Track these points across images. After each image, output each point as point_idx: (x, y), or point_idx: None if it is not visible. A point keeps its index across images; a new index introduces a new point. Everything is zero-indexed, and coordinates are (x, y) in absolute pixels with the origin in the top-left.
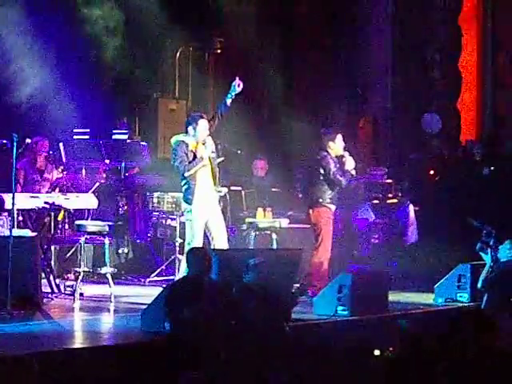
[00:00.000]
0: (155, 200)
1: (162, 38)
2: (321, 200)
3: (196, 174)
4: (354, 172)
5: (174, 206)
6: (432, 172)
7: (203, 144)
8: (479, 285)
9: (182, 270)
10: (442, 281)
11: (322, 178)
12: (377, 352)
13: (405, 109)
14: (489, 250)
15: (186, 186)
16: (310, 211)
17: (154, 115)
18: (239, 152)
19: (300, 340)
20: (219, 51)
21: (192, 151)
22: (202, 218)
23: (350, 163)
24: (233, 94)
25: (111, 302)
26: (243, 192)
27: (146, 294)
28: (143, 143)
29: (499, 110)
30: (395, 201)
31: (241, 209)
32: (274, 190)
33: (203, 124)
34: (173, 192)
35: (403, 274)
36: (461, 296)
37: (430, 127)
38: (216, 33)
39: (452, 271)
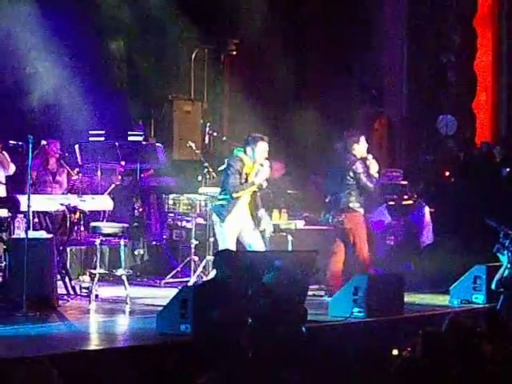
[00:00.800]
0: (171, 202)
1: (177, 39)
2: (351, 205)
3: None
4: (377, 175)
5: (189, 207)
6: (447, 173)
7: (260, 166)
8: (493, 285)
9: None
10: (457, 282)
11: (351, 182)
12: (395, 352)
13: (420, 110)
14: (505, 252)
15: (224, 202)
16: (343, 216)
17: (169, 117)
18: None
19: (315, 341)
20: (234, 53)
21: (246, 173)
22: (234, 232)
23: (374, 167)
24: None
25: (127, 303)
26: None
27: (162, 295)
28: (158, 145)
29: None
30: (411, 202)
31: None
32: (289, 191)
33: (262, 146)
34: (188, 193)
35: (419, 276)
36: (476, 298)
37: (445, 129)
38: (231, 35)
39: (468, 273)
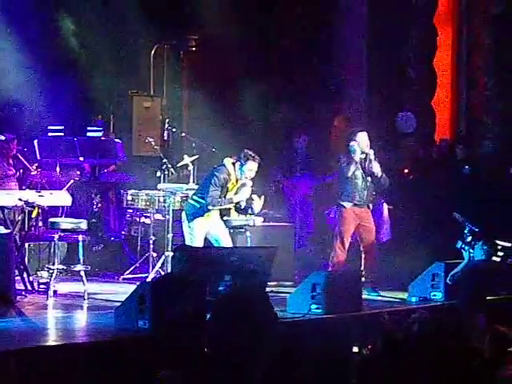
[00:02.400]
0: (129, 197)
1: (136, 36)
2: (338, 200)
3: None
4: (379, 173)
5: (148, 203)
6: (406, 171)
7: (242, 186)
8: (448, 279)
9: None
10: (416, 279)
11: (340, 178)
12: (355, 349)
13: (379, 108)
14: (468, 248)
15: (196, 205)
16: (336, 211)
17: (128, 113)
18: (215, 151)
19: (274, 337)
20: (194, 49)
21: (227, 187)
22: (202, 231)
23: (375, 167)
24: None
25: (85, 299)
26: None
27: (120, 291)
28: (118, 140)
29: (473, 109)
30: (371, 198)
31: None
32: None
33: (251, 166)
34: (147, 189)
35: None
36: (434, 295)
37: (404, 126)
38: (191, 31)
39: (426, 270)
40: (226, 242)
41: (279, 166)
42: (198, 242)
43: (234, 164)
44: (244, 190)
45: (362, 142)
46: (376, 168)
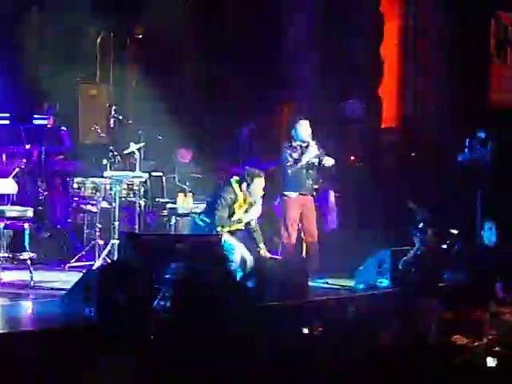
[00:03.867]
0: (75, 185)
1: (82, 23)
2: (283, 190)
3: None
4: (315, 160)
5: (94, 191)
6: (353, 158)
7: (251, 205)
8: (400, 264)
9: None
10: (361, 267)
11: (283, 168)
12: (306, 330)
13: (326, 96)
14: (419, 234)
15: (202, 224)
16: (281, 200)
17: (74, 100)
18: (161, 138)
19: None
20: (140, 37)
21: (234, 208)
22: None
23: (311, 151)
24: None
25: (31, 287)
26: (164, 178)
27: (66, 279)
28: (64, 128)
29: (420, 97)
30: (316, 187)
31: (161, 194)
32: (195, 175)
33: (259, 183)
34: (93, 177)
35: (323, 260)
36: (381, 282)
37: (351, 113)
38: (137, 18)
39: (372, 257)
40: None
41: (226, 153)
42: None
43: (239, 184)
44: (254, 209)
45: (303, 131)
46: (312, 154)
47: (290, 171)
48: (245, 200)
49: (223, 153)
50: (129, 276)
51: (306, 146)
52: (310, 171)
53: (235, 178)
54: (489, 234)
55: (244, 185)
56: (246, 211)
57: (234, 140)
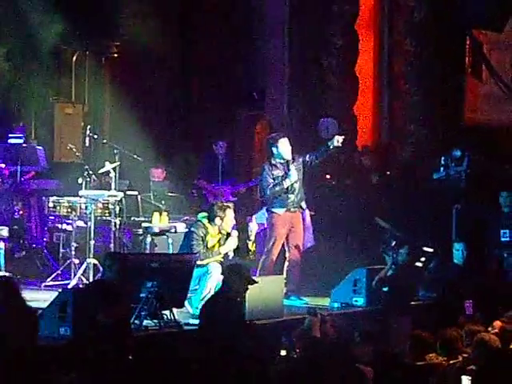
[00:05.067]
0: (51, 204)
1: (58, 42)
2: (268, 207)
3: None
4: (296, 185)
5: (70, 210)
6: (328, 176)
7: (226, 236)
8: (373, 283)
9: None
10: (338, 285)
11: (264, 185)
12: (283, 352)
13: (301, 113)
14: (390, 253)
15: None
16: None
17: (50, 119)
18: (136, 158)
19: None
20: (115, 55)
21: (207, 241)
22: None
23: (292, 175)
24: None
25: None
26: (139, 196)
27: (42, 298)
28: (39, 147)
29: (395, 116)
30: (303, 202)
31: (137, 213)
32: (170, 194)
33: (230, 214)
34: (69, 196)
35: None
36: (356, 300)
37: (326, 132)
38: (112, 37)
39: (348, 275)
40: None
41: (200, 171)
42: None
43: (209, 219)
44: (231, 240)
45: (284, 148)
46: (294, 177)
47: (269, 192)
48: (218, 232)
49: (199, 171)
50: (114, 295)
51: (287, 164)
52: (294, 185)
53: (202, 213)
54: (457, 255)
55: (217, 219)
56: (223, 243)
57: (209, 158)
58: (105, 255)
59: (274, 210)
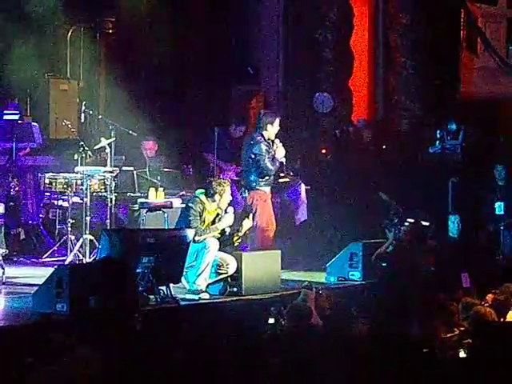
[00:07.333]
0: (47, 181)
1: (52, 18)
2: (253, 184)
3: None
4: (283, 160)
5: (65, 186)
6: (324, 151)
7: (224, 212)
8: (373, 258)
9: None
10: (333, 259)
11: (251, 163)
12: (271, 320)
13: (296, 88)
14: (392, 228)
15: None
16: (247, 194)
17: (45, 96)
18: (132, 133)
19: (193, 319)
20: (110, 31)
21: (204, 216)
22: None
23: (280, 151)
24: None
25: (3, 283)
26: (135, 172)
27: (38, 275)
28: (34, 124)
29: (390, 90)
30: (287, 180)
31: (132, 189)
32: (166, 170)
33: (227, 191)
34: (65, 172)
35: (295, 253)
36: (353, 275)
37: (321, 106)
38: (107, 13)
39: (344, 250)
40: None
41: (205, 147)
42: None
43: (208, 196)
44: (227, 216)
45: (274, 128)
46: (279, 154)
47: (267, 165)
48: (215, 209)
49: (204, 148)
50: (118, 272)
51: (273, 143)
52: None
53: (200, 190)
54: (452, 227)
55: (216, 196)
56: (220, 219)
57: (221, 137)
58: (108, 231)
59: (262, 188)
